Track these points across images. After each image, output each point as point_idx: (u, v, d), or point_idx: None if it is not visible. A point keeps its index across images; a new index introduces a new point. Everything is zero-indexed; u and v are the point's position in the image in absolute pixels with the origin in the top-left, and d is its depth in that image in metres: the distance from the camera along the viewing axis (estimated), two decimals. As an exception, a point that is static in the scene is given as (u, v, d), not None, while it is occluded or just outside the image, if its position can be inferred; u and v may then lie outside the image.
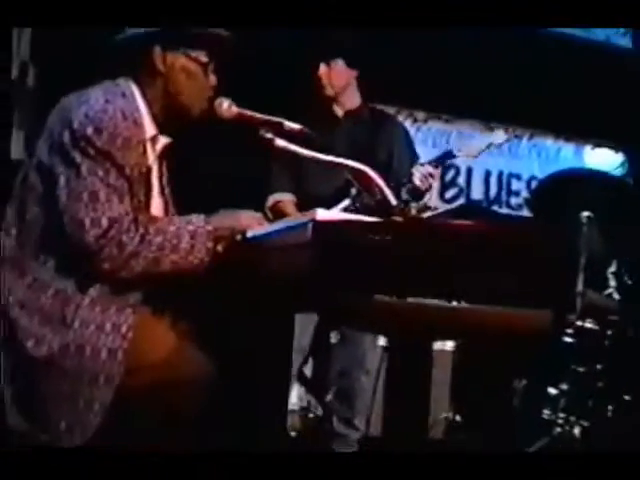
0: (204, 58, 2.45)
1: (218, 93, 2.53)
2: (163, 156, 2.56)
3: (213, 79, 2.49)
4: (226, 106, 2.54)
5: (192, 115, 2.48)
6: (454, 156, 3.89)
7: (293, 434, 4.27)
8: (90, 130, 2.26)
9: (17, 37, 4.40)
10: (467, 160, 5.65)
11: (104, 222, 2.24)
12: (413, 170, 3.73)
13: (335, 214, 1.85)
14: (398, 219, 2.09)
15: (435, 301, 1.84)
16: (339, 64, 3.98)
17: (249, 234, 2.36)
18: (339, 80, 4.00)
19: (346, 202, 3.66)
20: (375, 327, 2.40)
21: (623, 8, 3.28)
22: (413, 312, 1.81)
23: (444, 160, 3.90)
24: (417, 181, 3.71)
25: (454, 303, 1.82)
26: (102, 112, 2.28)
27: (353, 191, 3.64)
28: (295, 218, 1.96)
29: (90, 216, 2.24)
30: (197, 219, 2.38)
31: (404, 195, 3.59)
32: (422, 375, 2.01)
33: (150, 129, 2.43)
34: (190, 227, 2.35)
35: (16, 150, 4.34)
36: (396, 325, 1.93)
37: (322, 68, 3.96)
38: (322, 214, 1.82)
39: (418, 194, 3.76)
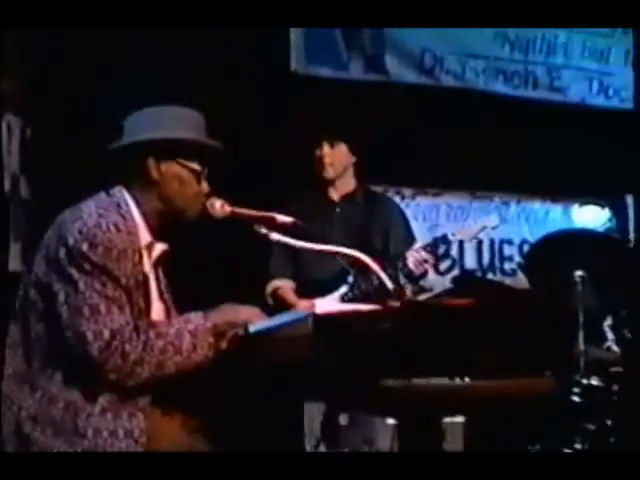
0: (197, 166, 2.49)
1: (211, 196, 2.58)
2: (160, 262, 2.60)
3: (205, 186, 2.53)
4: (218, 206, 2.59)
5: (186, 219, 2.52)
6: (449, 241, 3.92)
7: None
8: (85, 246, 2.30)
9: (7, 150, 4.47)
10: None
11: (106, 334, 2.27)
12: (407, 255, 3.76)
13: (333, 305, 1.89)
14: (395, 304, 2.14)
15: (440, 380, 1.88)
16: (342, 148, 4.02)
17: (251, 329, 2.38)
18: (340, 164, 4.04)
19: (344, 289, 3.68)
20: (382, 410, 2.42)
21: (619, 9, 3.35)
22: (419, 393, 1.85)
23: (439, 245, 3.92)
24: (411, 265, 3.74)
25: (457, 381, 1.86)
26: (96, 227, 2.33)
27: (350, 278, 3.67)
28: (295, 312, 2.00)
29: (92, 329, 2.27)
30: (196, 317, 2.41)
31: (401, 279, 3.63)
32: (434, 449, 2.03)
33: (145, 237, 2.47)
34: (190, 326, 2.37)
35: (13, 262, 4.38)
36: (403, 406, 1.96)
37: (326, 149, 4.00)
38: (321, 307, 1.87)
39: (413, 278, 3.79)
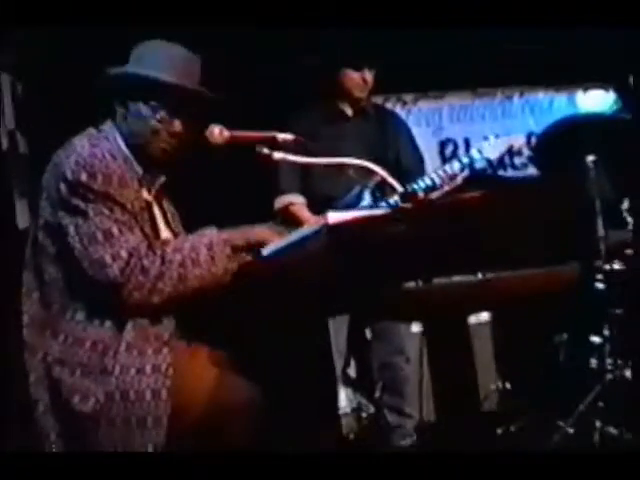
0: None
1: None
2: (161, 194, 2.60)
3: (177, 124, 2.46)
4: (217, 132, 2.55)
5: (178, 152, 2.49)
6: (474, 161, 3.82)
7: (351, 436, 4.28)
8: (84, 176, 2.30)
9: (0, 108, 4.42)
10: (463, 131, 5.67)
11: (124, 254, 2.27)
12: (434, 174, 3.70)
13: (345, 214, 1.84)
14: (407, 205, 2.09)
15: (461, 278, 1.84)
16: (370, 74, 4.00)
17: (265, 252, 2.35)
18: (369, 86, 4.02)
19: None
20: (407, 315, 2.40)
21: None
22: (441, 293, 1.82)
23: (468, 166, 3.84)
24: (438, 181, 3.67)
25: (480, 276, 1.82)
26: (91, 157, 2.33)
27: (364, 194, 3.64)
28: (307, 227, 1.95)
29: (109, 252, 2.27)
30: (210, 231, 2.41)
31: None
32: (464, 351, 2.00)
33: (138, 168, 2.47)
34: (205, 240, 2.37)
35: (22, 219, 4.36)
36: (428, 309, 1.93)
37: (368, 75, 3.99)
38: (333, 217, 1.82)
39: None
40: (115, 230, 2.29)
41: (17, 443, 2.49)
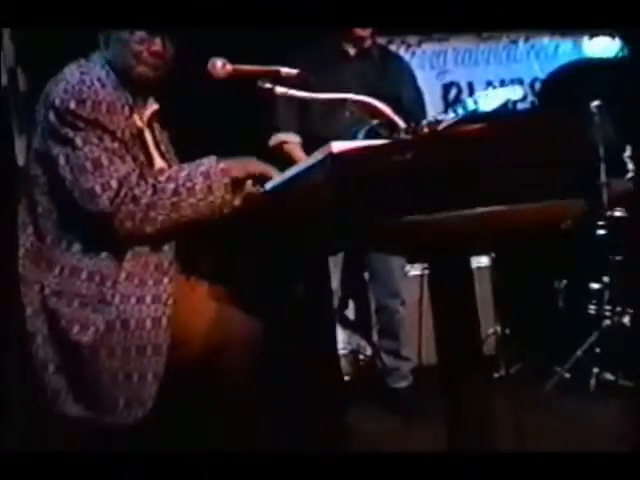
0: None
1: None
2: (153, 122, 2.56)
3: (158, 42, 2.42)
4: (220, 65, 2.50)
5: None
6: (466, 105, 3.76)
7: (347, 378, 4.31)
8: (73, 104, 2.26)
9: (-1, 44, 4.38)
10: (467, 74, 5.62)
11: (113, 183, 2.24)
12: (438, 118, 3.64)
13: (350, 143, 1.81)
14: (410, 137, 2.07)
15: (462, 211, 1.82)
16: None
17: (268, 186, 2.33)
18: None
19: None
20: (408, 249, 2.38)
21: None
22: (443, 226, 1.79)
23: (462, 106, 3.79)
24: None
25: (481, 209, 1.80)
26: (80, 83, 2.29)
27: (362, 132, 3.59)
28: (311, 157, 1.93)
29: (99, 182, 2.24)
30: (208, 160, 2.35)
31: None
32: (466, 293, 1.98)
33: (128, 95, 2.43)
34: (202, 168, 2.32)
35: (21, 157, 4.34)
36: (429, 242, 1.91)
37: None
38: (337, 146, 1.79)
39: None
40: (105, 159, 2.25)
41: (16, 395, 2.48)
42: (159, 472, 2.18)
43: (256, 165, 2.41)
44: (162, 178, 2.30)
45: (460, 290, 2.03)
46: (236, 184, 2.36)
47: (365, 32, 3.90)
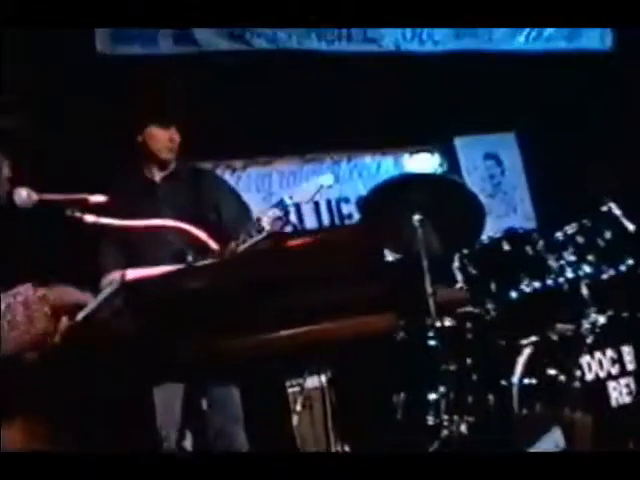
0: None
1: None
2: None
3: (7, 171, 2.39)
4: (25, 195, 2.44)
5: None
6: (286, 206, 3.82)
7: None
8: None
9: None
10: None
11: None
12: (261, 216, 3.67)
13: (143, 271, 1.78)
14: (205, 262, 2.04)
15: (276, 333, 1.79)
16: (172, 130, 3.90)
17: (79, 316, 2.27)
18: (174, 145, 3.92)
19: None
20: (225, 374, 2.33)
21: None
22: (253, 349, 1.75)
23: (280, 205, 3.84)
24: (267, 226, 3.64)
25: (288, 331, 1.77)
26: None
27: (189, 257, 3.56)
28: (109, 287, 1.88)
29: None
30: (24, 288, 2.27)
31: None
32: (282, 415, 1.94)
33: None
34: (20, 298, 2.24)
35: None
36: (249, 368, 1.87)
37: (174, 132, 3.89)
38: (131, 274, 1.76)
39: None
40: None
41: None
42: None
43: (72, 292, 2.34)
44: None
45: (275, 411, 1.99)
46: (54, 312, 2.28)
47: (169, 155, 3.91)
